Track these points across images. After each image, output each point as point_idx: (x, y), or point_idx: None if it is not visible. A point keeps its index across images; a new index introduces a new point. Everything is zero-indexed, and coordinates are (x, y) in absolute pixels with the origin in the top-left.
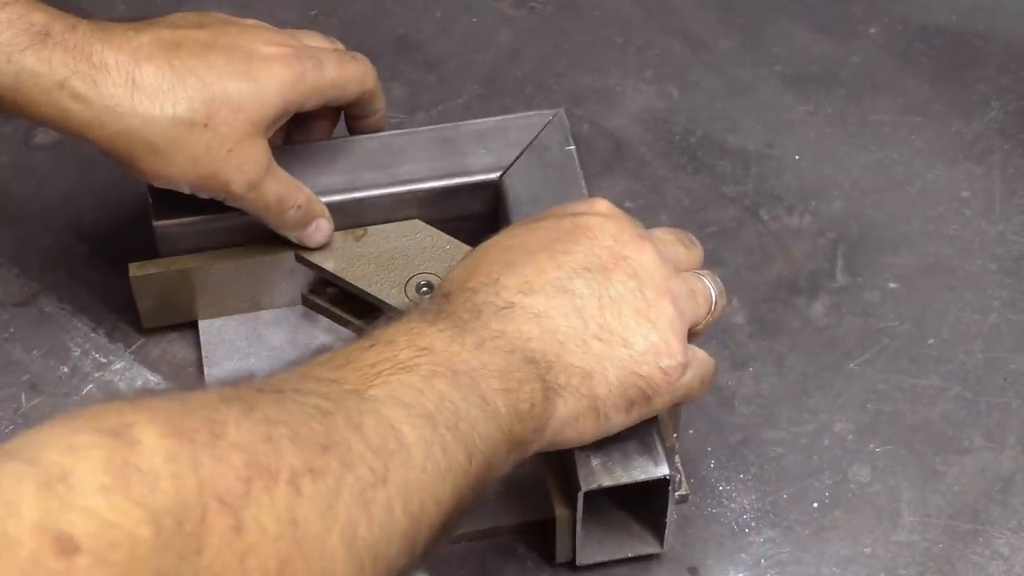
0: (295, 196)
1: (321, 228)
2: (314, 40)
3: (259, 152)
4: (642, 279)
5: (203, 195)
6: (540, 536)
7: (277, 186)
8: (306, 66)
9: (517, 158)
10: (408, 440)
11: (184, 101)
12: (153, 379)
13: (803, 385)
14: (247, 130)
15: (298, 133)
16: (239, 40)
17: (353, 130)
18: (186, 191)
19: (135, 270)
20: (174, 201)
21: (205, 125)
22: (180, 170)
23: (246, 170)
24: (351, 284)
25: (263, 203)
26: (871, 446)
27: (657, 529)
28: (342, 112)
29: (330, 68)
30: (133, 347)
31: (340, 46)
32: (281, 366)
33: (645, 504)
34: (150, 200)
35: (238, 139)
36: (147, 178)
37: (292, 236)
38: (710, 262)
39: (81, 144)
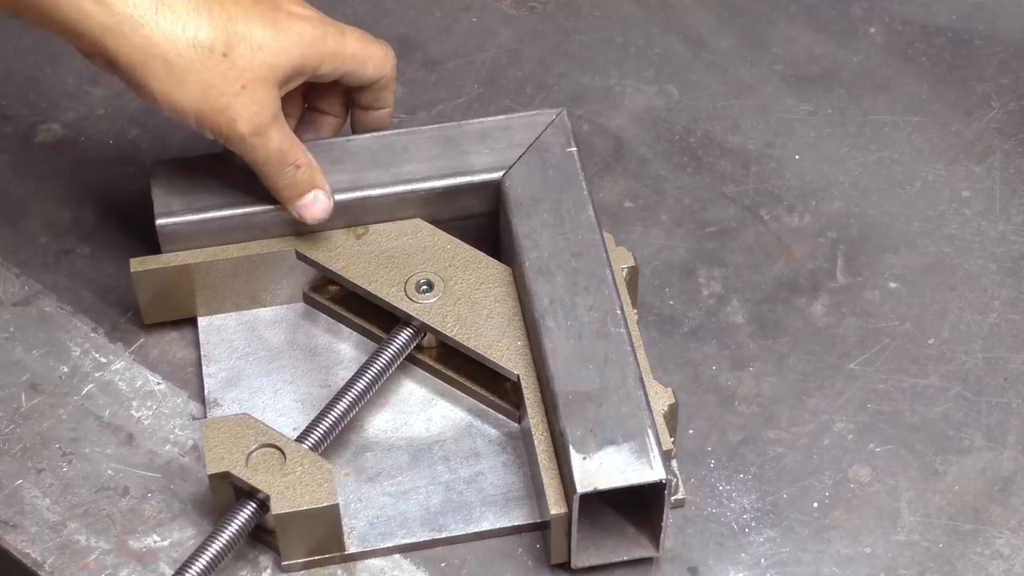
0: (296, 154)
1: (319, 201)
2: None
3: (271, 98)
4: None
5: (207, 134)
6: (539, 538)
7: (281, 138)
8: (329, 31)
9: (520, 158)
10: None
11: (207, 27)
12: (153, 379)
13: (803, 385)
14: (263, 72)
15: (305, 131)
16: None
17: (358, 126)
18: (192, 126)
19: (136, 265)
20: (177, 199)
21: (224, 55)
22: (191, 96)
23: (255, 111)
24: (351, 282)
25: (264, 151)
26: (871, 446)
27: (653, 533)
28: (346, 113)
29: (352, 41)
30: (133, 347)
31: None
32: (280, 367)
33: (642, 508)
34: (153, 199)
35: (253, 77)
36: (157, 103)
37: (290, 207)
38: (710, 262)
39: (81, 144)
